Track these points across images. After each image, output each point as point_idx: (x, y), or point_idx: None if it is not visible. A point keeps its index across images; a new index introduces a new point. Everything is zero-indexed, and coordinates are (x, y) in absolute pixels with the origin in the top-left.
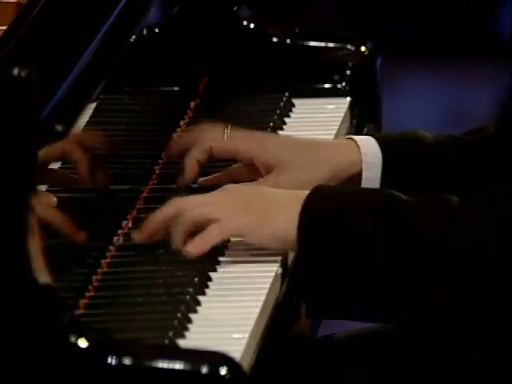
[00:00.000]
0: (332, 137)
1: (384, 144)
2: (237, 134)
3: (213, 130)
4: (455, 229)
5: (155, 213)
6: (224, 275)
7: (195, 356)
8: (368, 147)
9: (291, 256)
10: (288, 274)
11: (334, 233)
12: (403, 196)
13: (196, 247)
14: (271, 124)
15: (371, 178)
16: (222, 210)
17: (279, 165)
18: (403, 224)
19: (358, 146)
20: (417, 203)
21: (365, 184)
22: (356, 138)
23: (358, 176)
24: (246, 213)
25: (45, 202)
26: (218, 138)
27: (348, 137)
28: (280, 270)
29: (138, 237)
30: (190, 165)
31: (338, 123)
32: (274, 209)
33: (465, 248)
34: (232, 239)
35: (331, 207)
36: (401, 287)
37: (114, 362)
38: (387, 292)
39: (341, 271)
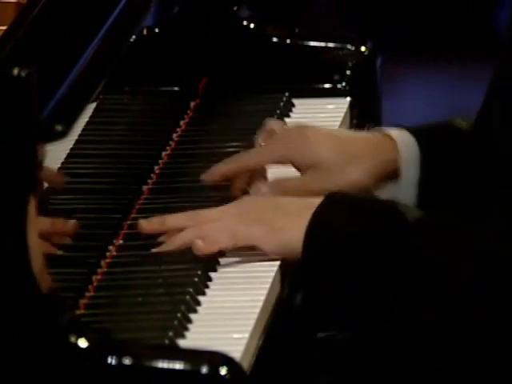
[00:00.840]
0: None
1: (421, 139)
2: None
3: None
4: (467, 257)
5: (171, 215)
6: (224, 275)
7: (195, 356)
8: (405, 144)
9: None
10: (288, 275)
11: (337, 247)
12: (413, 212)
13: (206, 247)
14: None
15: (410, 175)
16: (235, 221)
17: (317, 165)
18: (410, 248)
19: (394, 142)
20: (427, 224)
21: (404, 181)
22: (393, 133)
23: (394, 173)
24: (258, 224)
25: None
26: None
27: (384, 133)
28: (280, 271)
29: (144, 225)
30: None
31: (338, 123)
32: (286, 220)
33: (474, 277)
34: None
35: (338, 221)
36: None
37: (114, 362)
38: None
39: (339, 283)
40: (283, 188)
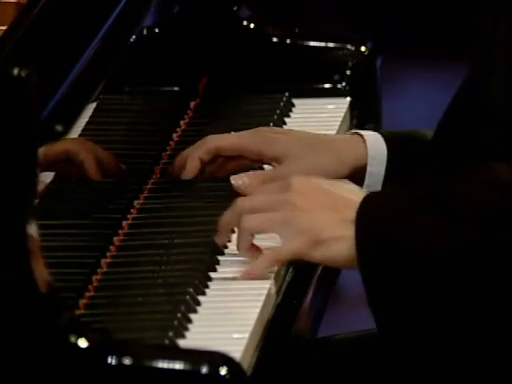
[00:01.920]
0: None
1: (389, 140)
2: (241, 132)
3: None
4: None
5: (224, 215)
6: (224, 275)
7: (195, 356)
8: (374, 142)
9: None
10: (288, 275)
11: (395, 244)
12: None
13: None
14: (271, 124)
15: (376, 172)
16: (281, 227)
17: (289, 156)
18: (461, 209)
19: (364, 140)
20: (469, 184)
21: (369, 178)
22: (363, 132)
23: (362, 170)
24: (305, 235)
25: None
26: (223, 136)
27: (354, 131)
28: (281, 271)
29: (219, 240)
30: (192, 164)
31: (338, 123)
32: (334, 231)
33: None
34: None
35: (385, 221)
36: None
37: (114, 362)
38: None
39: (409, 280)
40: (262, 178)
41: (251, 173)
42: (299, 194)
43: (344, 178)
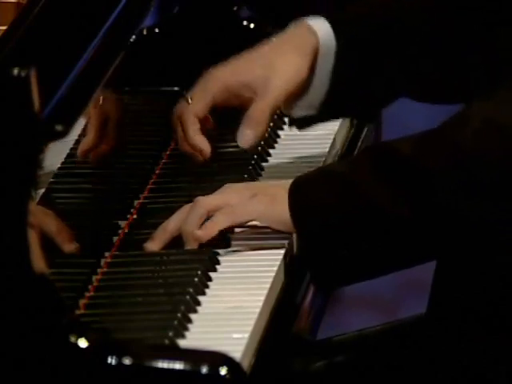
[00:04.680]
0: (332, 136)
1: (338, 30)
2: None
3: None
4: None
5: (166, 221)
6: (224, 275)
7: (195, 356)
8: (323, 33)
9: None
10: (288, 275)
11: (327, 197)
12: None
13: (205, 231)
14: (271, 124)
15: (324, 68)
16: (234, 197)
17: (251, 83)
18: (394, 160)
19: (317, 37)
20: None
21: (318, 74)
22: (311, 23)
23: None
24: (257, 201)
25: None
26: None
27: (307, 28)
28: (281, 271)
29: (151, 246)
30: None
31: (338, 123)
32: (276, 194)
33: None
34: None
35: (320, 178)
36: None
37: (114, 362)
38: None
39: (347, 230)
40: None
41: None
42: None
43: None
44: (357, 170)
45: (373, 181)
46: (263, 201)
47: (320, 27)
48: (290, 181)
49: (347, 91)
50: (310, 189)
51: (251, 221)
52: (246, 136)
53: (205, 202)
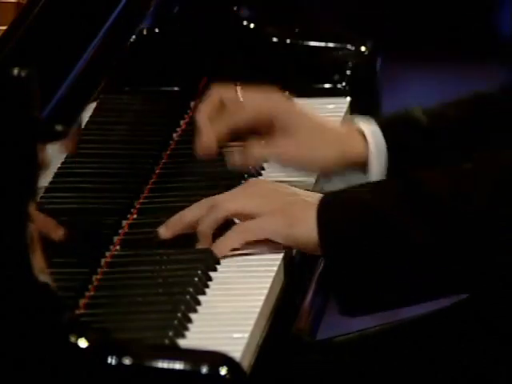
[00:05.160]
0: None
1: (388, 134)
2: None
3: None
4: (469, 189)
5: (185, 210)
6: (224, 275)
7: (195, 356)
8: (374, 140)
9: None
10: (288, 275)
11: (355, 226)
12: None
13: (219, 249)
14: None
15: (377, 166)
16: (256, 206)
17: (294, 130)
18: (420, 193)
19: (365, 138)
20: (430, 173)
21: (373, 173)
22: (363, 128)
23: (362, 166)
24: (275, 220)
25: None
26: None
27: (354, 124)
28: (281, 271)
29: (163, 232)
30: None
31: (339, 120)
32: (299, 215)
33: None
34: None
35: (347, 204)
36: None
37: (114, 362)
38: (427, 264)
39: (374, 261)
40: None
41: None
42: (263, 184)
43: (340, 171)
44: (387, 202)
45: (405, 217)
46: (280, 221)
47: (370, 131)
48: (315, 198)
49: None
50: (339, 219)
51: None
52: (233, 162)
53: (225, 207)
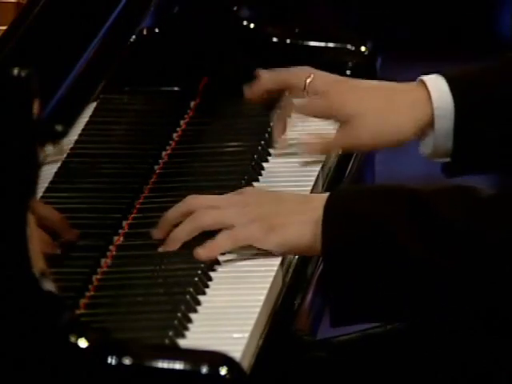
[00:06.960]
0: (332, 135)
1: (457, 93)
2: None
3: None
4: (484, 222)
5: (170, 210)
6: (224, 275)
7: (195, 356)
8: (440, 100)
9: (290, 257)
10: (288, 275)
11: (359, 237)
12: (423, 189)
13: (206, 252)
14: (271, 124)
15: (444, 130)
16: (234, 217)
17: (358, 117)
18: (429, 218)
19: (430, 96)
20: (441, 195)
21: (437, 136)
22: (430, 87)
23: (429, 126)
24: (259, 221)
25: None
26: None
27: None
28: (280, 271)
29: (155, 233)
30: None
31: (338, 123)
32: (288, 217)
33: (492, 242)
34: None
35: (353, 211)
36: (433, 281)
37: (114, 362)
38: (419, 287)
39: (371, 273)
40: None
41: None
42: (253, 195)
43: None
44: (394, 220)
45: (412, 243)
46: (257, 228)
47: (437, 89)
48: (305, 204)
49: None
50: (344, 233)
51: (250, 244)
52: (311, 150)
53: (203, 219)
